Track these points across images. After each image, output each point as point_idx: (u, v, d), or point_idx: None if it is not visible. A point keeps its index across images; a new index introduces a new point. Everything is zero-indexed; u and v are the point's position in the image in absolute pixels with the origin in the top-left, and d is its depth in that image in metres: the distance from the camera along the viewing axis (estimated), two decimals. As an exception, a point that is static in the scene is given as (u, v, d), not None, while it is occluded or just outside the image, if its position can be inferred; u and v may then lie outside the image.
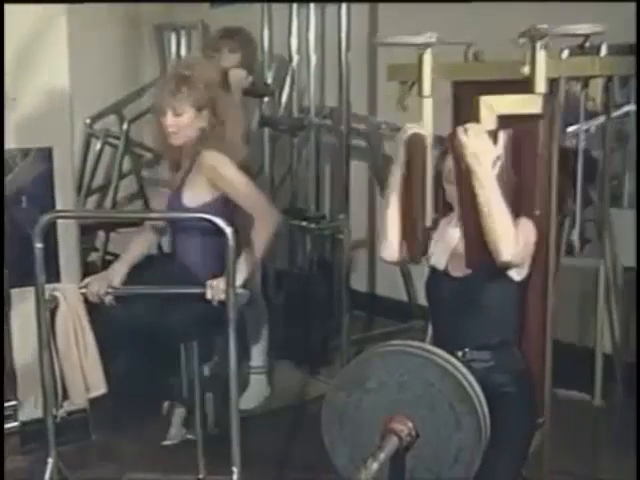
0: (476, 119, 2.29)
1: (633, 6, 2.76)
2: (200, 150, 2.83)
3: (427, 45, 2.38)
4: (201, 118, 2.82)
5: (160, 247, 5.20)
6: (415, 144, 2.36)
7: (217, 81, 2.90)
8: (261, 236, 2.80)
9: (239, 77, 3.73)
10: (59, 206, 3.26)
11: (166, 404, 3.45)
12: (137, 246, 3.01)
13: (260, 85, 4.17)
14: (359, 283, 4.87)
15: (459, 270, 2.44)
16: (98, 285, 2.78)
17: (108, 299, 2.78)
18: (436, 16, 3.99)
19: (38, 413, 2.74)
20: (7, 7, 3.03)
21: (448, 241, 2.46)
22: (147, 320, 2.80)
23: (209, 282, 2.68)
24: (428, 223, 2.40)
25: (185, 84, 2.79)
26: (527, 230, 2.37)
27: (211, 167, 2.81)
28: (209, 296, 2.65)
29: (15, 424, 3.37)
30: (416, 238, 2.40)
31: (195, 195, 2.83)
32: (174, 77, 2.84)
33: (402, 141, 2.35)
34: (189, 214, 2.87)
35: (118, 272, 2.87)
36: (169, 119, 2.81)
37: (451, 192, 2.40)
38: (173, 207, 2.87)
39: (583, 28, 2.26)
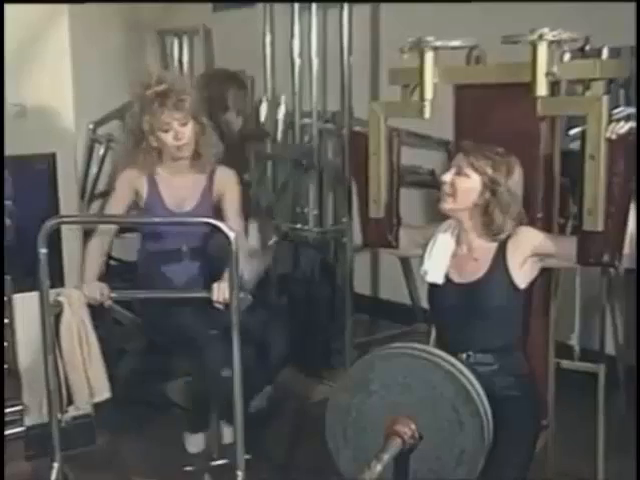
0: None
1: (633, 6, 2.78)
2: (212, 164, 2.99)
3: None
4: (192, 127, 2.92)
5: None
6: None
7: (193, 91, 2.96)
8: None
9: (233, 120, 3.74)
10: (63, 211, 3.26)
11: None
12: (96, 251, 3.02)
13: (254, 129, 4.19)
14: (362, 286, 4.87)
15: (462, 276, 2.45)
16: (99, 291, 2.79)
17: (107, 303, 2.80)
18: (438, 18, 4.03)
19: (43, 418, 2.75)
20: (9, 13, 3.04)
21: (445, 250, 2.47)
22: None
23: (215, 285, 2.70)
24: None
25: (172, 97, 2.85)
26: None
27: (228, 185, 3.02)
28: (215, 298, 2.67)
29: (20, 429, 3.38)
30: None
31: (206, 207, 2.98)
32: (159, 93, 2.86)
33: None
34: (194, 219, 2.91)
35: (93, 278, 2.89)
36: (178, 131, 2.85)
37: (452, 201, 2.42)
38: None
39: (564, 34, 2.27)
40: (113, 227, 3.11)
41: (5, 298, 3.20)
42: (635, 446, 2.49)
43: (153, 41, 5.82)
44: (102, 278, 2.96)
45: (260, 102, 4.58)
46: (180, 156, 2.90)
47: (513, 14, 3.68)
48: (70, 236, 3.30)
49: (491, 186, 2.36)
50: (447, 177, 2.41)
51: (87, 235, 3.16)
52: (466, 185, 2.38)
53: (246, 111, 3.98)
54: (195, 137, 2.91)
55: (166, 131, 2.86)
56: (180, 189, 3.00)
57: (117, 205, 3.04)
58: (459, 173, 2.39)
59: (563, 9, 3.49)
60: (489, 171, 2.36)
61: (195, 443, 3.33)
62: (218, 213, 2.99)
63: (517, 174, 2.37)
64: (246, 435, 2.60)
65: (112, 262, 5.37)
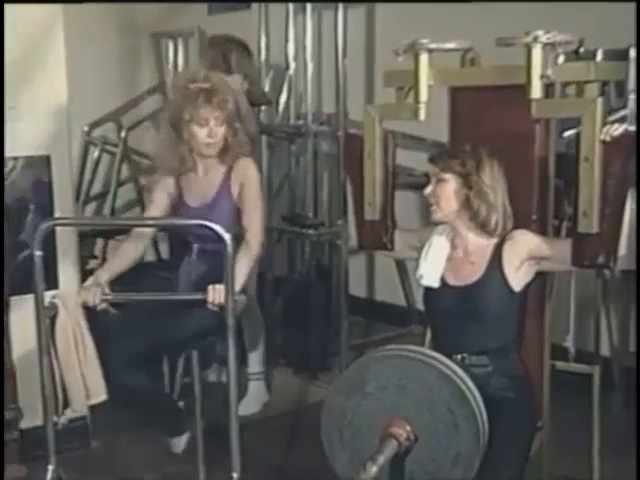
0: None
1: (633, 6, 2.79)
2: (235, 158, 2.94)
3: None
4: (225, 129, 2.92)
5: (158, 254, 5.22)
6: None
7: (232, 97, 2.97)
8: (242, 260, 2.81)
9: (238, 83, 3.75)
10: (58, 214, 3.26)
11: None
12: (125, 253, 3.02)
13: (258, 94, 4.19)
14: (358, 288, 4.87)
15: (458, 279, 2.45)
16: (92, 294, 2.78)
17: (101, 306, 2.80)
18: (433, 21, 4.03)
19: (39, 420, 2.74)
20: (6, 14, 3.04)
21: (441, 253, 2.48)
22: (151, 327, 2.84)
23: (210, 287, 2.70)
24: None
25: (218, 95, 2.88)
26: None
27: (247, 173, 2.95)
28: (210, 300, 2.67)
29: (16, 432, 3.37)
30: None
31: (230, 203, 2.94)
32: (205, 89, 2.89)
33: None
34: (188, 221, 2.91)
35: (102, 279, 2.89)
36: (213, 129, 2.89)
37: (438, 210, 2.45)
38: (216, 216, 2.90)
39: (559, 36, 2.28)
40: (149, 231, 3.10)
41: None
42: (635, 448, 2.50)
43: (148, 44, 5.83)
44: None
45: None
46: (207, 154, 2.93)
47: (510, 15, 3.68)
48: (65, 238, 3.30)
49: (465, 181, 2.39)
50: (428, 190, 2.46)
51: (81, 237, 3.16)
52: (446, 190, 2.42)
53: (252, 76, 3.98)
54: (225, 139, 2.93)
55: (202, 126, 2.89)
56: (203, 182, 3.00)
57: (155, 211, 3.04)
58: (438, 181, 2.44)
59: (560, 11, 3.50)
60: (459, 168, 2.40)
61: (178, 444, 3.34)
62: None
63: (488, 166, 2.40)
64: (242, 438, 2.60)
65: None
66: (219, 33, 4.18)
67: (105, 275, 2.91)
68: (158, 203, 3.05)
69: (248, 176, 2.96)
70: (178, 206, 3.02)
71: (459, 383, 2.21)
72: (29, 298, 2.62)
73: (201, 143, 2.91)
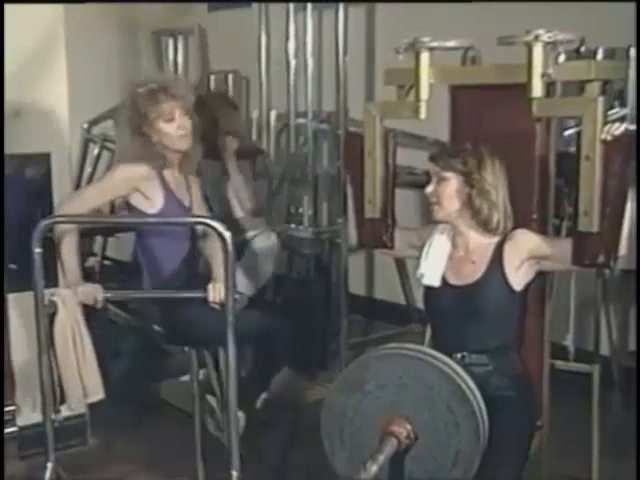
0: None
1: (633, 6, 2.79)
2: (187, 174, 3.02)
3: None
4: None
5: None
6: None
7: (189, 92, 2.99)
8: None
9: (229, 146, 3.74)
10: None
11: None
12: (77, 247, 2.97)
13: (249, 148, 4.18)
14: (357, 287, 4.87)
15: (459, 278, 2.45)
16: (93, 295, 2.77)
17: (100, 304, 2.80)
18: (433, 20, 4.03)
19: (37, 418, 2.74)
20: (5, 13, 3.04)
21: (442, 252, 2.48)
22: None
23: (210, 286, 2.70)
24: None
25: (175, 88, 2.88)
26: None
27: (196, 187, 3.06)
28: (210, 298, 2.68)
29: (14, 429, 3.37)
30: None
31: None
32: (158, 88, 2.87)
33: None
34: (189, 218, 2.91)
35: (80, 279, 2.87)
36: (183, 121, 2.88)
37: (440, 209, 2.44)
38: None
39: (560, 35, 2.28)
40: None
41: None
42: (635, 447, 2.50)
43: (148, 41, 5.82)
44: (95, 278, 2.96)
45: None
46: (181, 147, 2.89)
47: (511, 14, 3.68)
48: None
49: (467, 180, 2.39)
50: (429, 189, 2.45)
51: (81, 235, 3.14)
52: (447, 189, 2.41)
53: (240, 132, 3.97)
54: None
55: (169, 121, 2.86)
56: (178, 184, 2.99)
57: (100, 196, 2.91)
58: (439, 180, 2.43)
59: (561, 10, 3.50)
60: (460, 167, 2.39)
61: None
62: None
63: (489, 164, 2.39)
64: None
65: (106, 262, 5.41)
66: (205, 93, 4.18)
67: (78, 271, 2.89)
68: (110, 191, 2.92)
69: (196, 191, 3.05)
70: (173, 210, 2.94)
71: (459, 382, 2.20)
72: (28, 295, 2.62)
73: (174, 137, 2.88)
